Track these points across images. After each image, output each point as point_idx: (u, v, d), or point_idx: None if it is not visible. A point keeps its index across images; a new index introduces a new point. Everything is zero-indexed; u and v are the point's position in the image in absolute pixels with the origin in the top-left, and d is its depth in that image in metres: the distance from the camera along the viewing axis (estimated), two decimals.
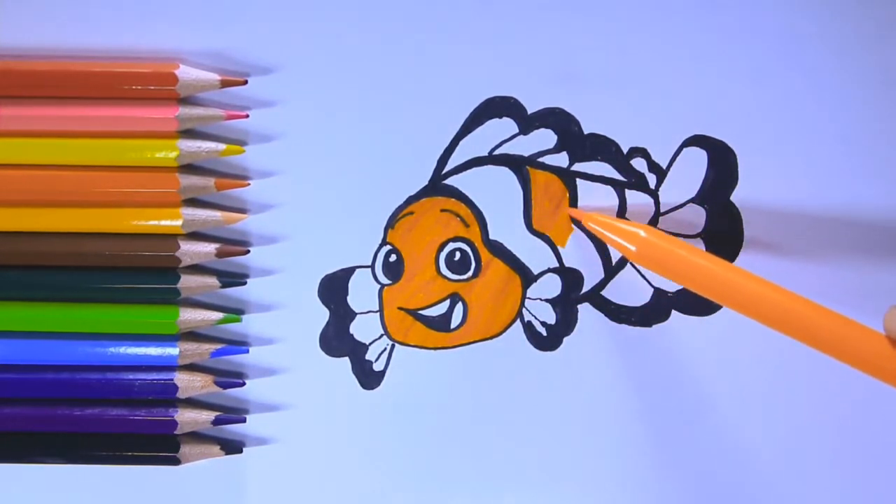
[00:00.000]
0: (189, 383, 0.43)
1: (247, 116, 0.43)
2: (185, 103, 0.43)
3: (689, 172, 0.44)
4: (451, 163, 0.44)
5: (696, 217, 0.44)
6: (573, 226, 0.44)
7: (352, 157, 0.44)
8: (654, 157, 0.44)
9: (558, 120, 0.44)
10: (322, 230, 0.44)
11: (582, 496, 0.45)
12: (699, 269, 0.40)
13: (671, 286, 0.44)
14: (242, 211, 0.44)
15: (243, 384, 0.44)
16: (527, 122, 0.44)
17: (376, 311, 0.44)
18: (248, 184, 0.43)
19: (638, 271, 0.44)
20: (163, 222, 0.43)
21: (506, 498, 0.45)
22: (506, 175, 0.44)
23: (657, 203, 0.44)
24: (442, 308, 0.44)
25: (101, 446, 0.43)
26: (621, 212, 0.44)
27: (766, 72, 0.43)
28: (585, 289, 0.44)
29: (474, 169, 0.44)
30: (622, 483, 0.45)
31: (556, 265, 0.44)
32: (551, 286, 0.44)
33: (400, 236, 0.44)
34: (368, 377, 0.44)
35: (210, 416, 0.44)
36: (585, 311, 0.44)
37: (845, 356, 0.38)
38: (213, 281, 0.43)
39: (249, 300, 0.44)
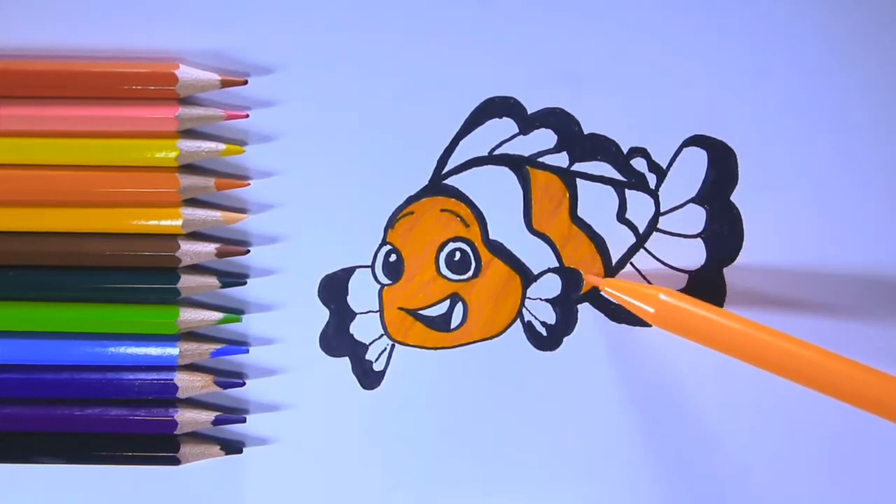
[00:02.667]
0: (189, 383, 0.43)
1: (247, 116, 0.43)
2: (185, 103, 0.43)
3: (689, 172, 0.44)
4: (451, 163, 0.44)
5: (696, 217, 0.44)
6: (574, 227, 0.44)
7: (352, 157, 0.44)
8: (654, 157, 0.44)
9: (558, 120, 0.44)
10: (322, 230, 0.44)
11: (581, 496, 0.45)
12: (721, 330, 0.40)
13: (671, 286, 0.44)
14: (242, 211, 0.44)
15: (243, 384, 0.44)
16: (527, 122, 0.44)
17: (376, 311, 0.44)
18: (248, 184, 0.43)
19: (638, 271, 0.44)
20: (163, 222, 0.43)
21: (505, 498, 0.45)
22: (506, 175, 0.44)
23: (657, 203, 0.44)
24: (442, 308, 0.44)
25: (101, 446, 0.43)
26: (621, 212, 0.44)
27: (766, 72, 0.43)
28: (585, 288, 0.44)
29: (474, 169, 0.44)
30: (622, 483, 0.45)
31: (556, 265, 0.44)
32: (551, 286, 0.44)
33: (400, 236, 0.44)
34: (368, 377, 0.44)
35: (210, 416, 0.44)
36: (585, 311, 0.44)
37: (882, 412, 0.38)
38: (213, 281, 0.43)
39: (249, 300, 0.44)
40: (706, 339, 0.40)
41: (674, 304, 0.41)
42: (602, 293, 0.44)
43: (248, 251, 0.44)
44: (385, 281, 0.44)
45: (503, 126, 0.44)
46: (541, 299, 0.44)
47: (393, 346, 0.44)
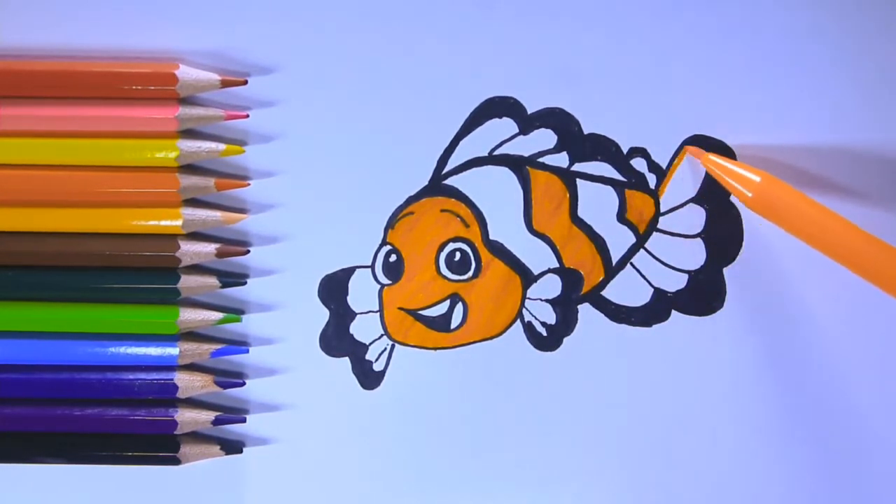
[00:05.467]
0: (189, 383, 0.43)
1: (247, 116, 0.43)
2: (185, 103, 0.43)
3: (689, 172, 0.44)
4: (451, 163, 0.44)
5: (696, 217, 0.44)
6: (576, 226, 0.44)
7: (352, 157, 0.44)
8: (654, 157, 0.44)
9: (558, 120, 0.44)
10: (322, 230, 0.44)
11: (582, 496, 0.45)
12: (817, 224, 0.40)
13: (671, 286, 0.44)
14: (242, 211, 0.44)
15: (243, 384, 0.44)
16: (527, 122, 0.44)
17: (376, 311, 0.44)
18: (248, 184, 0.43)
19: (638, 271, 0.44)
20: (163, 222, 0.43)
21: (505, 498, 0.45)
22: (506, 175, 0.44)
23: (657, 203, 0.44)
24: (442, 308, 0.44)
25: (101, 446, 0.43)
26: (621, 211, 0.44)
27: (765, 72, 0.43)
28: (585, 289, 0.44)
29: (474, 169, 0.44)
30: (622, 483, 0.45)
31: (557, 265, 0.44)
32: (551, 286, 0.44)
33: (400, 236, 0.44)
34: (368, 377, 0.44)
35: (210, 416, 0.44)
36: (585, 311, 0.44)
37: None
38: (213, 281, 0.43)
39: (249, 300, 0.44)
40: (801, 231, 0.40)
41: (771, 191, 0.40)
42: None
43: (248, 251, 0.44)
44: (385, 281, 0.44)
45: (503, 126, 0.44)
46: (541, 300, 0.44)
47: (393, 346, 0.44)
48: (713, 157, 0.42)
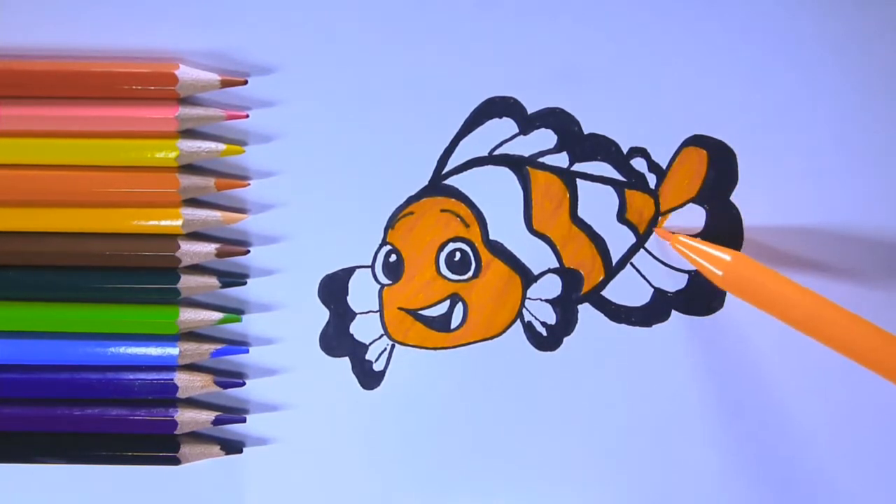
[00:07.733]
0: (189, 383, 0.43)
1: (247, 116, 0.43)
2: (185, 103, 0.43)
3: (690, 172, 0.44)
4: (451, 163, 0.44)
5: (696, 217, 0.44)
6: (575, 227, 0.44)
7: (352, 157, 0.44)
8: (654, 157, 0.44)
9: (558, 120, 0.44)
10: (322, 230, 0.44)
11: (581, 496, 0.45)
12: (788, 301, 0.40)
13: (671, 286, 0.44)
14: (242, 211, 0.44)
15: (243, 384, 0.44)
16: (527, 122, 0.44)
17: (376, 311, 0.44)
18: (248, 184, 0.43)
19: (638, 271, 0.44)
20: (163, 222, 0.43)
21: (505, 498, 0.45)
22: (506, 175, 0.44)
23: (657, 203, 0.44)
24: (442, 308, 0.44)
25: (101, 446, 0.43)
26: (621, 211, 0.44)
27: (765, 72, 0.43)
28: (585, 289, 0.44)
29: (474, 169, 0.44)
30: (622, 483, 0.45)
31: (557, 265, 0.44)
32: (551, 286, 0.44)
33: (400, 236, 0.44)
34: (368, 377, 0.44)
35: (210, 416, 0.44)
36: (585, 311, 0.44)
37: None
38: (213, 281, 0.43)
39: (249, 300, 0.44)
40: (774, 308, 0.40)
41: (742, 269, 0.40)
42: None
43: (248, 251, 0.44)
44: (385, 281, 0.44)
45: (503, 126, 0.44)
46: (541, 300, 0.44)
47: (393, 346, 0.44)
48: (683, 239, 0.42)
